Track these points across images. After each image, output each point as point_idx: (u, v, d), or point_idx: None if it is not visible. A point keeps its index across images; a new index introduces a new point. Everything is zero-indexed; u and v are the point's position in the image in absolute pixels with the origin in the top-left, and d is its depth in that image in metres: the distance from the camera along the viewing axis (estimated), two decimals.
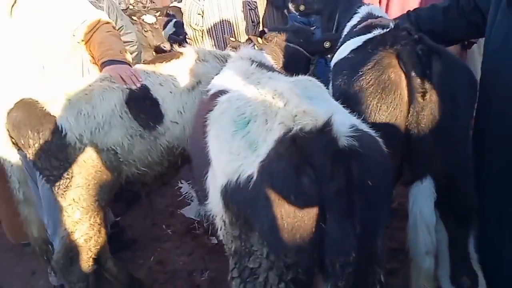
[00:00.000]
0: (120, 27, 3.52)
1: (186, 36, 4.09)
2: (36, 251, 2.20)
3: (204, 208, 3.02)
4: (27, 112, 1.99)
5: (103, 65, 2.37)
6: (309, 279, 1.19)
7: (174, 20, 5.42)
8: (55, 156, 2.00)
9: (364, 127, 1.25)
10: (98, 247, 2.23)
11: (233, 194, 1.24)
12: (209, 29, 3.85)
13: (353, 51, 1.78)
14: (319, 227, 1.09)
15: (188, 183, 3.53)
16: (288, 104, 1.22)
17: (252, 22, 4.17)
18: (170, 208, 3.61)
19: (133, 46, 3.56)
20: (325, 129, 1.07)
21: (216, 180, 1.35)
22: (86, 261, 2.16)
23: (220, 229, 1.42)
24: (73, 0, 2.50)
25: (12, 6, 2.22)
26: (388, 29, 1.76)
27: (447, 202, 1.63)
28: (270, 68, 1.82)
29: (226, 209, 1.30)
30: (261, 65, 1.75)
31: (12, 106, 2.00)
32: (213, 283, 2.72)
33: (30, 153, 2.01)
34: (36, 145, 1.98)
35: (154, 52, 4.50)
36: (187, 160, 2.50)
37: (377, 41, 1.67)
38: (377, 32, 1.83)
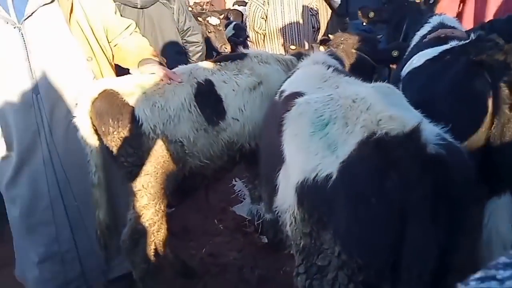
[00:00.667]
0: (188, 28, 3.70)
1: (248, 39, 4.21)
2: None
3: (256, 206, 3.13)
4: (109, 102, 2.15)
5: (142, 62, 2.39)
6: (380, 282, 1.19)
7: (234, 22, 5.59)
8: (130, 144, 2.16)
9: (448, 137, 1.23)
10: (160, 232, 2.37)
11: (309, 192, 1.27)
12: (271, 33, 3.95)
13: (428, 60, 1.76)
14: (396, 232, 1.09)
15: (242, 181, 3.62)
16: (371, 108, 1.24)
17: (313, 28, 4.23)
18: (222, 204, 3.72)
19: (198, 46, 3.72)
20: (414, 135, 1.06)
21: (290, 177, 1.39)
22: (149, 244, 2.30)
23: (290, 225, 1.45)
24: (112, 7, 2.53)
25: (70, 13, 2.25)
26: (468, 40, 1.72)
27: None
28: (346, 73, 1.83)
29: (300, 205, 1.33)
30: (337, 70, 1.78)
31: (96, 95, 2.17)
32: (262, 280, 2.77)
33: (109, 140, 2.17)
34: (115, 133, 2.14)
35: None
36: (245, 156, 2.60)
37: (458, 51, 1.64)
38: (454, 43, 1.80)
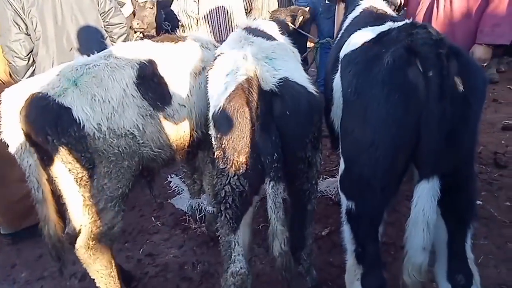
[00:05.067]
0: (110, 9, 3.37)
1: (179, 23, 3.98)
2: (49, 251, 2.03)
3: (196, 200, 3.00)
4: (41, 107, 1.86)
5: None
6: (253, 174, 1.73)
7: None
8: (75, 149, 1.91)
9: (297, 79, 1.78)
10: (119, 235, 2.22)
11: (215, 117, 1.83)
12: (204, 17, 3.76)
13: (367, 43, 1.74)
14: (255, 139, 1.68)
15: (178, 177, 3.44)
16: (247, 64, 1.77)
17: (245, 9, 4.12)
18: (159, 200, 3.52)
19: (122, 28, 3.42)
20: (257, 80, 1.68)
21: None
22: (109, 248, 2.15)
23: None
24: None
25: None
26: (403, 23, 1.73)
27: (450, 202, 1.64)
28: (263, 35, 2.26)
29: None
30: (254, 32, 2.25)
31: (23, 103, 1.86)
32: (205, 276, 2.68)
33: (49, 150, 1.91)
34: (55, 140, 1.88)
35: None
36: (193, 146, 2.47)
37: (394, 36, 1.64)
38: (391, 24, 1.80)
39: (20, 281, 2.79)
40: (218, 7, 3.78)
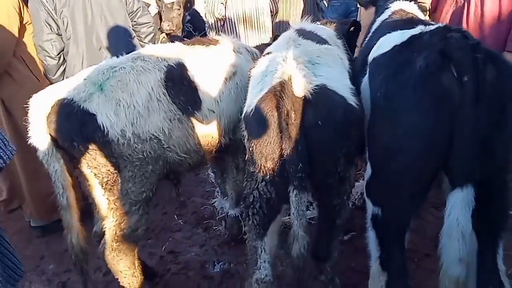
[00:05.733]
0: (137, 9, 3.42)
1: (206, 25, 4.00)
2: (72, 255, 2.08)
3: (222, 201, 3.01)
4: (66, 114, 1.90)
5: None
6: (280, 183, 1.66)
7: (192, 7, 5.25)
8: (100, 154, 1.94)
9: (338, 88, 1.67)
10: (142, 237, 2.25)
11: (246, 118, 1.79)
12: (230, 19, 3.76)
13: (397, 46, 1.71)
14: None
15: None
16: (285, 66, 1.68)
17: (271, 12, 4.10)
18: (181, 198, 3.56)
19: (150, 27, 3.46)
20: (291, 85, 1.59)
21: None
22: (133, 249, 2.18)
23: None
24: None
25: None
26: (435, 27, 1.68)
27: (482, 212, 1.58)
28: (313, 38, 2.16)
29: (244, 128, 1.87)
30: (305, 34, 2.16)
31: (49, 110, 1.91)
32: (226, 275, 2.69)
33: (75, 155, 1.96)
34: (80, 146, 1.91)
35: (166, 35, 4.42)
36: (220, 151, 2.47)
37: (426, 40, 1.60)
38: (422, 27, 1.76)
39: (48, 273, 2.88)
40: (244, 9, 3.78)
